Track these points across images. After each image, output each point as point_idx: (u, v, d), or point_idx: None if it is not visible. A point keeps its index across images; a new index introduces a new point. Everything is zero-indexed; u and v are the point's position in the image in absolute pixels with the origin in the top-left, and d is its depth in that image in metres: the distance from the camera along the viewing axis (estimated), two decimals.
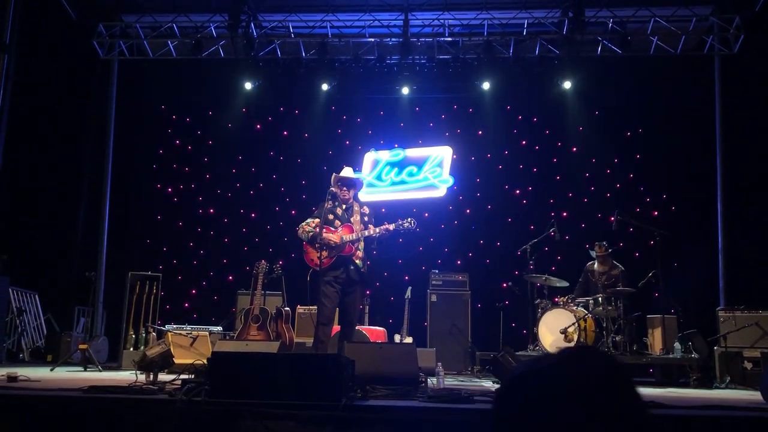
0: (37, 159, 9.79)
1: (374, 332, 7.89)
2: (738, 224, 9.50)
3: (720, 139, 9.92)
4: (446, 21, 9.98)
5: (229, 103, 10.86)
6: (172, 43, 10.35)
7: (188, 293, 10.65)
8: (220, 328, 7.93)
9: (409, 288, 8.70)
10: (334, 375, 3.57)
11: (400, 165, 10.60)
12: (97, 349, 7.89)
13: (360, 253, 6.11)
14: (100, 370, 6.94)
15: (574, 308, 7.76)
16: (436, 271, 9.38)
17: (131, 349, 7.90)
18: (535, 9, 9.82)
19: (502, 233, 10.38)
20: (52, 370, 6.81)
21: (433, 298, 9.15)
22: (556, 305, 7.92)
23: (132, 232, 10.83)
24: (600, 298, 7.65)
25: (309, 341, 6.93)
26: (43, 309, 9.64)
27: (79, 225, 10.42)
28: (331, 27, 10.10)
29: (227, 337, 7.57)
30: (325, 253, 5.94)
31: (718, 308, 7.82)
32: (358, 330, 7.52)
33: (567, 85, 10.21)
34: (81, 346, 7.42)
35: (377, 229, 6.08)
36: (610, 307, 7.53)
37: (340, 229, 6.09)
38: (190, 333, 7.26)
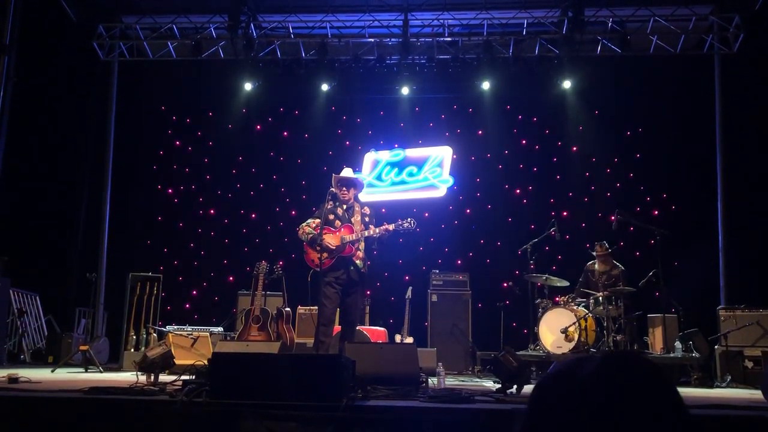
0: (37, 160, 9.79)
1: (375, 332, 7.89)
2: (738, 223, 9.50)
3: (720, 138, 9.92)
4: (446, 21, 9.97)
5: (229, 103, 10.86)
6: (172, 44, 10.35)
7: (189, 294, 10.65)
8: (220, 329, 7.93)
9: (410, 288, 8.70)
10: (335, 375, 3.58)
11: (400, 165, 10.60)
12: (98, 350, 7.89)
13: (360, 254, 6.12)
14: (101, 371, 6.94)
15: (575, 308, 7.76)
16: (437, 271, 9.38)
17: (132, 350, 7.90)
18: (535, 9, 9.81)
19: (503, 233, 10.38)
20: (53, 371, 6.81)
21: (434, 298, 9.15)
22: (556, 305, 7.92)
23: (132, 233, 10.83)
24: (600, 298, 7.65)
25: (310, 342, 6.93)
26: (44, 310, 9.64)
27: (80, 226, 10.43)
28: (330, 27, 10.09)
29: (228, 338, 7.58)
30: (325, 255, 5.95)
31: (719, 307, 7.82)
32: (359, 330, 7.52)
33: (567, 84, 10.20)
34: (82, 347, 7.41)
35: (377, 230, 6.09)
36: (610, 307, 7.53)
37: (341, 229, 6.10)
38: (191, 334, 7.26)
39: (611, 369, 1.07)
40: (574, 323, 7.48)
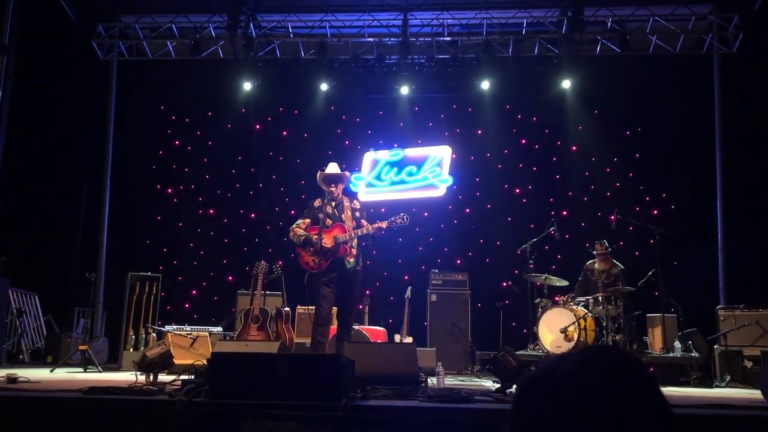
0: (36, 160, 9.78)
1: (374, 332, 7.89)
2: (738, 223, 9.50)
3: (719, 137, 9.92)
4: (445, 21, 9.97)
5: (228, 103, 10.85)
6: (171, 44, 10.35)
7: (188, 294, 10.65)
8: (220, 329, 7.93)
9: (409, 288, 8.70)
10: (335, 375, 3.58)
11: (400, 165, 10.59)
12: (97, 350, 7.88)
13: (354, 251, 6.07)
14: (100, 371, 6.94)
15: (574, 307, 7.76)
16: (436, 271, 9.38)
17: (131, 349, 7.89)
18: (534, 8, 9.81)
19: (502, 232, 10.37)
20: (52, 371, 6.81)
21: (433, 297, 9.15)
22: (556, 304, 7.92)
23: (132, 232, 10.82)
24: (600, 297, 7.65)
25: (309, 341, 6.92)
26: (43, 310, 9.63)
27: (79, 226, 10.42)
28: (330, 27, 10.09)
29: (227, 338, 7.58)
30: (319, 257, 5.91)
31: (718, 307, 7.83)
32: (359, 330, 7.53)
33: (566, 84, 10.20)
34: (81, 347, 7.41)
35: (371, 227, 6.04)
36: (610, 306, 7.53)
37: (333, 228, 6.03)
38: (190, 333, 7.25)
39: (589, 363, 1.07)
40: (573, 323, 7.48)
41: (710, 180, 9.90)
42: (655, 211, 10.20)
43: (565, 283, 8.26)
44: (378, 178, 10.58)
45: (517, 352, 6.21)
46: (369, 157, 10.65)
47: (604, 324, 7.56)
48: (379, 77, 10.30)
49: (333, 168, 6.35)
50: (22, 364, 8.18)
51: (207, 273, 10.79)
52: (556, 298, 8.15)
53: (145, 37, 10.34)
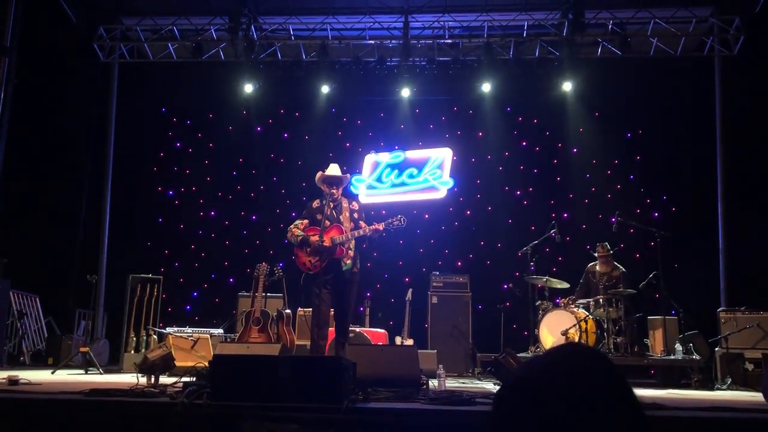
0: (37, 162, 9.79)
1: (375, 334, 7.89)
2: (738, 225, 9.50)
3: (720, 140, 9.92)
4: (446, 23, 9.98)
5: (229, 105, 10.85)
6: (172, 46, 10.37)
7: (189, 296, 10.65)
8: (221, 331, 7.93)
9: (410, 290, 8.69)
10: (336, 377, 3.58)
11: (401, 167, 10.59)
12: (98, 352, 7.88)
13: (351, 253, 6.05)
14: (101, 373, 6.94)
15: (575, 310, 7.76)
16: (437, 273, 9.37)
17: (132, 351, 7.89)
18: (535, 11, 9.82)
19: (503, 234, 10.37)
20: (53, 373, 6.81)
21: (434, 299, 9.14)
22: (557, 306, 7.92)
23: (133, 234, 10.83)
24: (601, 300, 7.65)
25: (309, 343, 6.93)
26: (44, 312, 9.63)
27: (80, 228, 10.42)
28: (331, 29, 10.10)
29: (228, 340, 7.57)
30: (316, 258, 5.90)
31: (719, 309, 7.81)
32: (360, 332, 7.52)
33: (567, 86, 10.20)
34: (82, 349, 7.42)
35: (368, 229, 6.01)
36: (611, 309, 7.53)
37: (330, 229, 6.01)
38: (191, 336, 7.25)
39: (562, 363, 1.09)
40: (574, 325, 7.48)
41: (711, 182, 9.90)
42: (656, 214, 10.20)
43: (566, 285, 8.26)
44: (379, 180, 10.58)
45: (518, 355, 6.22)
46: (370, 159, 10.65)
47: (605, 326, 7.56)
48: (380, 79, 10.30)
49: (334, 170, 6.33)
50: (23, 366, 8.18)
51: (208, 275, 10.79)
52: (557, 301, 8.14)
53: (147, 39, 10.36)
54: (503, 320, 8.74)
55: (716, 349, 7.34)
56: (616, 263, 8.25)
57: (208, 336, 7.35)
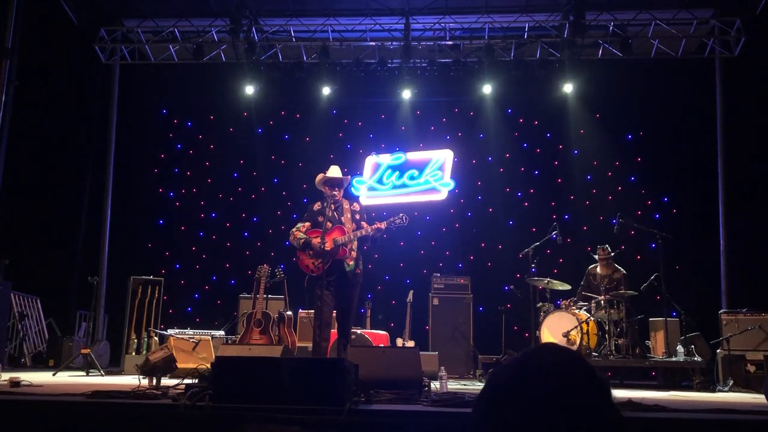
0: (38, 164, 9.79)
1: (376, 336, 7.89)
2: (740, 227, 9.49)
3: (721, 142, 9.92)
4: (447, 25, 9.99)
5: (230, 107, 10.86)
6: (173, 48, 10.37)
7: (190, 297, 10.65)
8: (222, 333, 7.93)
9: (411, 291, 8.68)
10: (338, 379, 3.57)
11: (401, 168, 10.58)
12: (99, 354, 7.88)
13: (354, 254, 6.04)
14: (102, 375, 6.94)
15: (577, 311, 7.76)
16: (438, 275, 9.36)
17: (133, 353, 7.89)
18: (536, 12, 9.83)
19: (504, 236, 10.37)
20: (54, 374, 6.80)
21: (435, 301, 9.13)
22: (558, 308, 7.92)
23: (134, 236, 10.84)
24: (602, 301, 7.65)
25: (311, 345, 6.93)
26: (45, 313, 9.63)
27: (81, 229, 10.42)
28: (332, 31, 10.11)
29: (229, 342, 7.57)
30: (319, 261, 5.90)
31: (721, 311, 7.81)
32: (361, 334, 7.52)
33: (568, 88, 10.20)
34: (83, 351, 7.42)
35: (370, 229, 6.00)
36: (612, 310, 7.52)
37: (332, 231, 6.01)
38: (192, 337, 7.25)
39: (530, 365, 1.10)
40: (575, 327, 7.47)
41: (712, 184, 9.89)
42: (657, 215, 10.20)
43: (567, 287, 8.26)
44: (380, 181, 10.58)
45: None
46: (371, 160, 10.65)
47: (607, 328, 7.56)
48: (380, 81, 10.30)
49: (335, 171, 6.31)
50: (24, 368, 8.18)
51: (209, 277, 10.80)
52: (559, 302, 8.14)
53: (148, 41, 10.37)
54: (504, 322, 8.73)
55: (718, 350, 7.34)
56: (617, 265, 8.25)
57: (210, 338, 7.35)
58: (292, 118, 11.25)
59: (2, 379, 5.00)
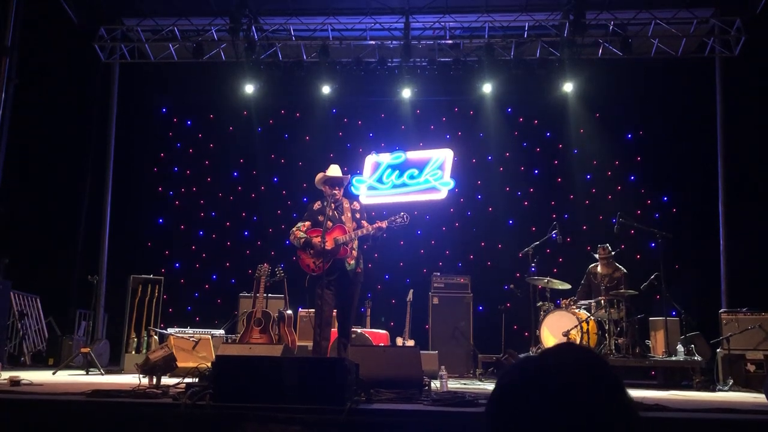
0: (38, 162, 9.79)
1: (376, 335, 7.88)
2: (740, 226, 9.49)
3: (721, 141, 9.91)
4: (447, 24, 9.98)
5: (230, 106, 10.85)
6: (173, 47, 10.36)
7: (190, 296, 10.64)
8: (222, 332, 7.92)
9: (411, 291, 8.68)
10: (339, 378, 3.57)
11: (401, 168, 10.58)
12: (99, 353, 7.88)
13: (355, 253, 6.03)
14: (102, 374, 6.94)
15: (577, 311, 7.75)
16: (438, 274, 9.36)
17: (133, 352, 7.89)
18: (536, 11, 9.82)
19: (504, 235, 10.37)
20: (54, 373, 6.80)
21: (435, 300, 9.13)
22: (558, 307, 7.91)
23: (133, 235, 10.83)
24: (602, 301, 7.65)
25: (311, 344, 6.92)
26: (45, 312, 9.64)
27: (81, 228, 10.41)
28: (332, 30, 10.10)
29: (229, 341, 7.57)
30: (320, 260, 5.89)
31: (721, 310, 7.81)
32: (361, 333, 7.52)
33: (568, 87, 10.18)
34: (83, 350, 7.41)
35: (371, 227, 5.98)
36: (612, 310, 7.52)
37: (333, 230, 5.99)
38: (192, 336, 7.25)
39: (552, 363, 1.10)
40: (575, 326, 7.47)
41: (712, 183, 9.89)
42: (657, 215, 10.20)
43: (567, 286, 8.26)
44: (379, 181, 10.58)
45: (519, 356, 6.22)
46: (370, 160, 10.65)
47: (607, 327, 7.56)
48: (380, 80, 10.30)
49: (335, 171, 6.30)
50: (24, 367, 8.18)
51: (209, 276, 10.80)
52: (559, 302, 8.13)
53: (147, 40, 10.36)
54: (504, 321, 8.74)
55: (718, 350, 7.34)
56: (617, 264, 8.25)
57: (209, 337, 7.35)
58: (291, 117, 11.24)
59: (2, 378, 5.00)
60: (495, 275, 10.10)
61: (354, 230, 5.99)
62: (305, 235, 6.03)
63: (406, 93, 10.43)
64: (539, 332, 7.78)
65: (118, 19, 10.43)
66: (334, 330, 6.41)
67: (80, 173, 10.54)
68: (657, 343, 8.08)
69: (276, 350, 6.25)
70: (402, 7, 9.74)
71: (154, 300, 8.40)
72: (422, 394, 4.39)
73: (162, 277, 8.68)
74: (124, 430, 3.52)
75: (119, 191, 10.74)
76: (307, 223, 6.16)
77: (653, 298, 8.19)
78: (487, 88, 10.29)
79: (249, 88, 10.40)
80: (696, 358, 7.25)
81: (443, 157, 10.53)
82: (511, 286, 8.93)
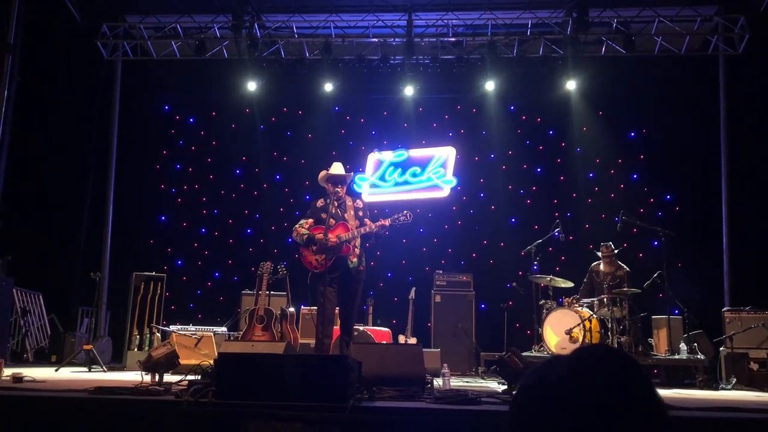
0: (41, 159, 9.79)
1: (379, 333, 7.89)
2: (743, 224, 9.47)
3: (724, 139, 9.89)
4: (450, 21, 9.97)
5: (232, 103, 10.84)
6: (175, 44, 10.36)
7: (193, 294, 10.65)
8: (224, 329, 7.93)
9: (413, 288, 8.67)
10: (341, 376, 3.57)
11: (404, 165, 10.58)
12: (101, 350, 7.88)
13: (357, 251, 6.03)
14: (104, 371, 6.94)
15: (579, 309, 7.74)
16: (440, 272, 9.35)
17: (135, 349, 7.90)
18: (539, 9, 9.80)
19: (506, 234, 10.35)
20: (56, 370, 6.81)
21: (437, 298, 9.12)
22: (560, 306, 7.90)
23: (136, 232, 10.84)
24: (605, 299, 7.64)
25: (314, 342, 6.92)
26: (47, 309, 9.65)
27: (84, 226, 10.43)
28: (334, 27, 10.09)
29: (231, 338, 7.57)
30: (323, 257, 5.89)
31: (724, 309, 7.80)
32: (363, 331, 7.52)
33: (571, 85, 10.16)
34: (86, 347, 7.42)
35: (374, 225, 5.98)
36: (615, 308, 7.51)
37: (336, 227, 5.98)
38: (195, 334, 7.25)
39: (583, 363, 1.08)
40: (578, 324, 7.46)
41: (715, 181, 9.87)
42: (660, 213, 10.17)
43: (570, 284, 8.25)
44: (382, 178, 10.57)
45: (522, 354, 6.21)
46: (373, 157, 10.64)
47: (609, 326, 7.55)
48: (383, 78, 10.29)
49: (338, 168, 6.29)
50: (26, 364, 8.19)
51: (211, 273, 10.80)
52: (561, 300, 8.13)
53: (150, 37, 10.36)
54: (507, 319, 8.73)
55: (721, 348, 7.33)
56: (620, 262, 8.24)
57: (212, 334, 7.35)
58: (294, 115, 11.24)
59: (5, 375, 5.00)
60: (497, 273, 10.08)
61: (357, 228, 5.99)
62: (308, 233, 6.02)
63: (409, 90, 10.42)
64: (542, 330, 7.78)
65: (121, 17, 10.44)
66: (337, 328, 6.40)
67: (83, 170, 10.54)
68: (660, 341, 8.07)
69: (278, 348, 6.23)
70: (405, 5, 9.73)
71: (157, 297, 8.41)
72: (425, 392, 4.38)
73: (164, 275, 8.69)
74: (126, 427, 3.52)
75: (121, 188, 10.75)
76: (310, 221, 6.16)
77: (656, 296, 8.16)
78: (490, 85, 10.28)
79: (251, 86, 10.40)
80: (699, 356, 7.24)
81: (446, 154, 10.52)
82: (514, 284, 8.92)
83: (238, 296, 8.83)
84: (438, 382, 5.32)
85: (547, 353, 7.56)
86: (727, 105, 9.89)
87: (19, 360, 8.58)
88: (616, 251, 8.20)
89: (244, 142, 11.07)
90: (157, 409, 3.56)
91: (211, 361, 4.70)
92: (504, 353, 5.14)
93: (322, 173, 6.28)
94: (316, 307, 6.31)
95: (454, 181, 10.41)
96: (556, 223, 8.38)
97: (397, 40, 10.11)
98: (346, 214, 6.11)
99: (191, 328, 7.64)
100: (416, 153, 10.65)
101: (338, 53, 10.23)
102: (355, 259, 6.00)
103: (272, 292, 7.44)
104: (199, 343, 7.10)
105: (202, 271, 10.79)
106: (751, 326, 7.20)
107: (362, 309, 8.31)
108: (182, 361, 5.38)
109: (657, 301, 8.28)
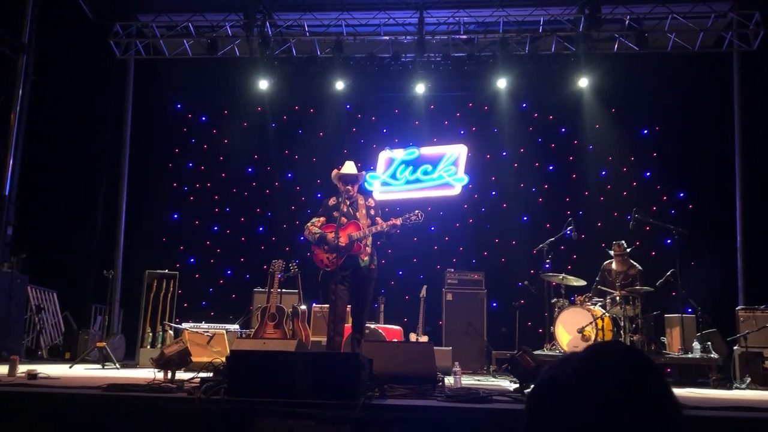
0: (54, 158, 9.88)
1: (390, 331, 7.89)
2: (757, 222, 9.39)
3: (738, 136, 9.81)
4: (461, 18, 9.94)
5: (244, 101, 10.88)
6: (187, 43, 10.41)
7: (205, 291, 10.70)
8: (236, 327, 7.96)
9: (424, 287, 8.65)
10: (353, 374, 3.57)
11: (415, 163, 10.57)
12: (115, 347, 7.94)
13: (368, 249, 6.03)
14: (118, 368, 6.99)
15: (592, 307, 7.71)
16: (452, 270, 9.34)
17: (148, 347, 7.95)
18: (551, 6, 9.76)
19: (518, 232, 10.33)
20: (70, 367, 6.86)
21: (449, 296, 9.11)
22: (573, 304, 7.87)
23: (149, 230, 10.90)
24: (617, 297, 7.59)
25: (325, 340, 6.93)
26: (61, 307, 9.74)
27: (97, 224, 10.51)
28: (345, 25, 10.09)
29: (243, 336, 7.60)
30: (334, 255, 5.90)
31: (738, 308, 7.73)
32: (375, 329, 7.52)
33: (583, 82, 10.11)
34: (99, 344, 7.47)
35: (385, 224, 5.98)
36: (627, 306, 7.47)
37: (347, 226, 5.99)
38: (207, 331, 7.29)
39: (598, 361, 1.08)
40: (590, 323, 7.43)
41: (729, 179, 9.79)
42: (673, 211, 10.10)
43: (582, 282, 8.21)
44: (393, 176, 10.57)
45: (534, 352, 6.19)
46: (384, 155, 10.64)
47: (622, 324, 7.51)
48: (394, 76, 10.28)
49: (350, 167, 6.29)
50: (41, 360, 8.27)
51: (223, 271, 10.85)
52: (573, 298, 8.09)
53: (162, 36, 10.42)
54: (518, 318, 8.70)
55: (735, 347, 7.26)
56: (632, 261, 8.19)
57: (224, 332, 7.38)
58: (305, 113, 11.25)
59: (20, 371, 5.05)
60: (509, 272, 10.05)
61: (368, 227, 5.99)
62: (320, 231, 6.03)
63: (420, 88, 10.41)
64: (554, 329, 7.75)
65: (133, 16, 10.51)
66: (348, 325, 6.41)
67: (96, 168, 10.62)
68: (673, 340, 8.02)
69: (290, 345, 6.25)
70: (416, 2, 9.72)
71: (169, 295, 8.46)
72: (436, 390, 4.38)
73: (177, 273, 8.72)
74: (139, 424, 3.54)
75: (134, 187, 10.82)
76: (322, 219, 6.16)
77: (669, 294, 8.11)
78: (502, 83, 10.24)
79: (263, 84, 10.42)
80: (712, 355, 7.19)
81: (457, 152, 10.50)
82: (526, 282, 8.89)
83: (250, 294, 8.86)
84: (449, 380, 5.32)
85: (559, 352, 7.53)
86: (742, 102, 9.80)
87: (33, 357, 8.66)
88: (628, 249, 8.15)
89: (256, 141, 11.10)
90: (169, 406, 3.58)
91: (223, 359, 4.71)
92: (516, 352, 5.12)
93: (334, 172, 6.28)
94: (327, 305, 6.32)
95: (466, 179, 10.39)
96: (569, 221, 8.35)
97: (408, 37, 10.11)
98: (357, 213, 6.11)
99: (203, 325, 7.68)
100: (427, 151, 10.64)
101: (349, 51, 10.23)
102: (366, 258, 6.00)
103: (284, 290, 7.47)
104: (211, 341, 7.14)
105: (215, 269, 10.84)
106: (765, 325, 7.13)
107: (373, 307, 8.32)
108: (194, 359, 5.40)
109: (670, 299, 8.22)
